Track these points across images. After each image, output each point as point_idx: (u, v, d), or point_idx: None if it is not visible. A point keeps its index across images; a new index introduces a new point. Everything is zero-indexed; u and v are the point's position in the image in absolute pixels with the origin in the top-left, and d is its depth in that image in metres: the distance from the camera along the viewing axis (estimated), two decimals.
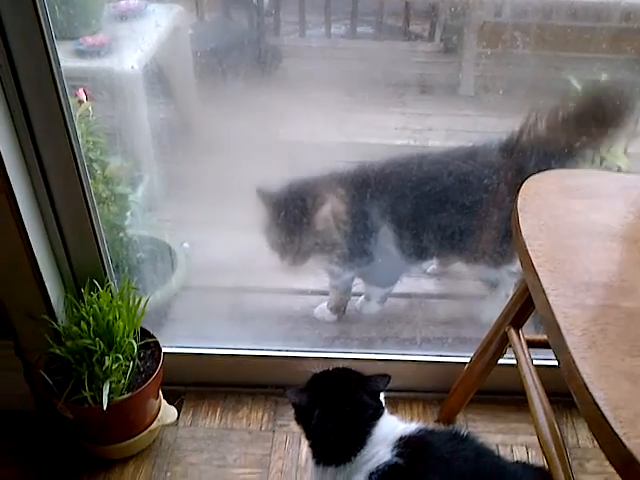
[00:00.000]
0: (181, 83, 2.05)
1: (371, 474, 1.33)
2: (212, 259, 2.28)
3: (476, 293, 2.30)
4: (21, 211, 1.51)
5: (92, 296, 1.67)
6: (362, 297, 2.25)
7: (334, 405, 1.42)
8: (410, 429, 1.41)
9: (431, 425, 1.86)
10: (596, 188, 1.34)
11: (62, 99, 1.45)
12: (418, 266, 2.25)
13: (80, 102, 1.74)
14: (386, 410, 1.46)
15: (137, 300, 1.72)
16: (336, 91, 1.83)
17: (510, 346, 1.51)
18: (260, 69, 1.85)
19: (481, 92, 1.90)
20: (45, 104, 1.45)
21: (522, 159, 1.85)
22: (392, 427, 1.42)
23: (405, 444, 1.36)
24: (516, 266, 2.00)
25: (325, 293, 2.23)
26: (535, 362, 1.42)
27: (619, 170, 1.92)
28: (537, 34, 1.76)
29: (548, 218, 1.24)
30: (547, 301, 1.05)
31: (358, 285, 2.24)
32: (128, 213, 1.95)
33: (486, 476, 1.27)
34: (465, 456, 1.33)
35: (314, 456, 1.44)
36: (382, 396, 1.48)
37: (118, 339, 1.64)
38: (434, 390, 1.97)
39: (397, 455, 1.33)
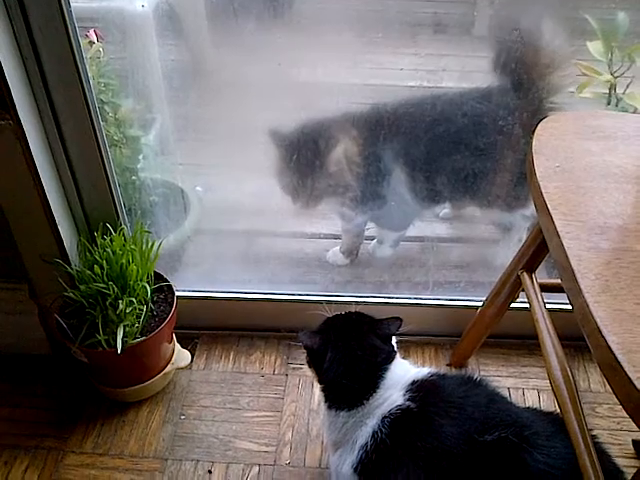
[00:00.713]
0: (192, 23, 2.02)
1: (384, 418, 1.34)
2: (225, 202, 2.28)
3: (488, 237, 2.29)
4: (33, 154, 1.51)
5: (105, 240, 1.67)
6: (375, 241, 2.24)
7: (346, 348, 1.43)
8: (422, 373, 1.42)
9: (443, 369, 1.87)
10: (612, 130, 1.32)
11: (73, 40, 1.44)
12: (431, 210, 2.23)
13: (91, 43, 1.72)
14: (398, 354, 1.47)
15: (150, 244, 1.72)
16: (349, 32, 1.80)
17: (523, 290, 1.51)
18: (272, 8, 1.81)
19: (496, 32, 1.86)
20: (56, 46, 1.44)
21: (537, 100, 1.83)
22: (404, 371, 1.44)
23: (417, 388, 1.37)
24: (530, 210, 1.98)
25: (337, 237, 2.22)
26: (548, 306, 1.42)
27: (635, 111, 1.89)
28: None
29: (563, 160, 1.22)
30: (561, 244, 1.05)
31: (371, 229, 2.23)
32: (140, 156, 1.94)
33: (498, 421, 1.27)
34: (477, 401, 1.34)
35: (326, 400, 1.45)
36: (394, 340, 1.49)
37: (132, 283, 1.65)
38: (446, 334, 1.97)
39: (409, 399, 1.35)
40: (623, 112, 1.87)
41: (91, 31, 1.73)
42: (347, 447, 1.38)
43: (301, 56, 1.85)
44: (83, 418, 1.80)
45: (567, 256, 1.02)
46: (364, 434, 1.36)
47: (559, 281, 1.08)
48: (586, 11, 1.82)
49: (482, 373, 1.86)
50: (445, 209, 2.29)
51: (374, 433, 1.34)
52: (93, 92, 1.54)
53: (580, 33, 1.87)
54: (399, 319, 1.47)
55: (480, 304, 1.75)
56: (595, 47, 1.89)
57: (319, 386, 1.49)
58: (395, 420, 1.33)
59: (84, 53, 1.50)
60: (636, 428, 0.85)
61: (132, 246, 1.68)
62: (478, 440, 1.25)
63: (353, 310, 1.55)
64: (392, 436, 1.32)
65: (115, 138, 1.80)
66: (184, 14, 1.97)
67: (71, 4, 1.41)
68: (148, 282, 1.70)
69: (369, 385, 1.39)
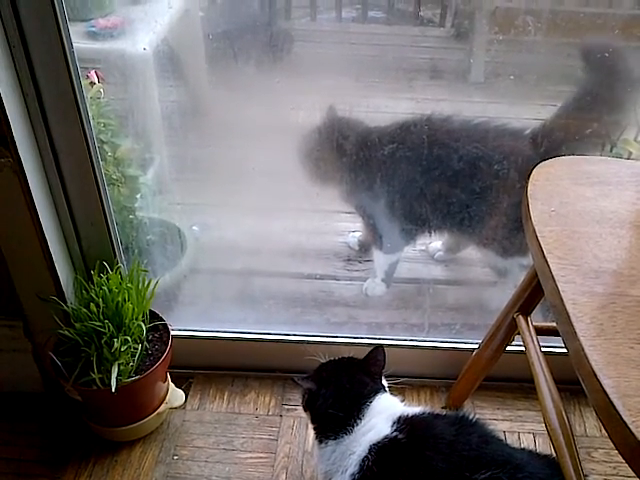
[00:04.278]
0: (192, 65, 2.04)
1: (371, 446, 1.35)
2: (221, 242, 2.28)
3: (484, 280, 2.30)
4: (32, 192, 1.51)
5: (102, 278, 1.67)
6: (368, 280, 2.25)
7: (336, 384, 1.47)
8: (413, 410, 1.44)
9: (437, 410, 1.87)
10: (606, 175, 1.33)
11: (74, 81, 1.45)
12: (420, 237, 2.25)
13: (92, 84, 1.73)
14: (388, 391, 1.52)
15: (146, 282, 1.72)
16: (346, 75, 1.83)
17: (518, 333, 1.51)
18: (271, 53, 1.84)
19: (492, 78, 1.89)
20: (57, 86, 1.45)
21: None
22: (391, 404, 1.48)
23: (405, 421, 1.38)
24: (528, 259, 1.99)
25: (334, 278, 2.24)
26: (543, 349, 1.42)
27: (629, 157, 1.91)
28: (549, 19, 1.75)
29: (558, 204, 1.23)
30: (556, 288, 1.05)
31: (367, 271, 2.24)
32: (138, 195, 1.95)
33: (491, 461, 1.27)
34: (470, 439, 1.33)
35: (317, 434, 1.48)
36: (385, 382, 1.54)
37: (127, 321, 1.65)
38: (442, 376, 1.97)
39: (397, 430, 1.36)
40: (617, 158, 1.88)
41: (92, 72, 1.75)
42: (337, 477, 1.39)
43: (299, 99, 1.88)
44: (75, 457, 1.79)
45: (562, 300, 1.03)
46: (353, 462, 1.37)
47: (554, 324, 1.08)
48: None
49: (478, 416, 1.85)
50: (440, 252, 2.30)
51: (362, 461, 1.35)
52: (93, 131, 1.56)
53: (575, 79, 1.89)
54: (380, 346, 1.52)
55: (476, 347, 1.75)
56: None
57: (311, 426, 1.51)
58: (382, 448, 1.34)
59: (85, 93, 1.51)
60: (632, 473, 0.85)
61: (128, 284, 1.68)
62: (470, 478, 1.24)
63: (347, 355, 1.60)
64: (380, 463, 1.32)
65: (114, 177, 1.81)
66: (184, 57, 2.00)
67: (73, 45, 1.43)
68: (143, 321, 1.70)
69: (354, 413, 1.42)
